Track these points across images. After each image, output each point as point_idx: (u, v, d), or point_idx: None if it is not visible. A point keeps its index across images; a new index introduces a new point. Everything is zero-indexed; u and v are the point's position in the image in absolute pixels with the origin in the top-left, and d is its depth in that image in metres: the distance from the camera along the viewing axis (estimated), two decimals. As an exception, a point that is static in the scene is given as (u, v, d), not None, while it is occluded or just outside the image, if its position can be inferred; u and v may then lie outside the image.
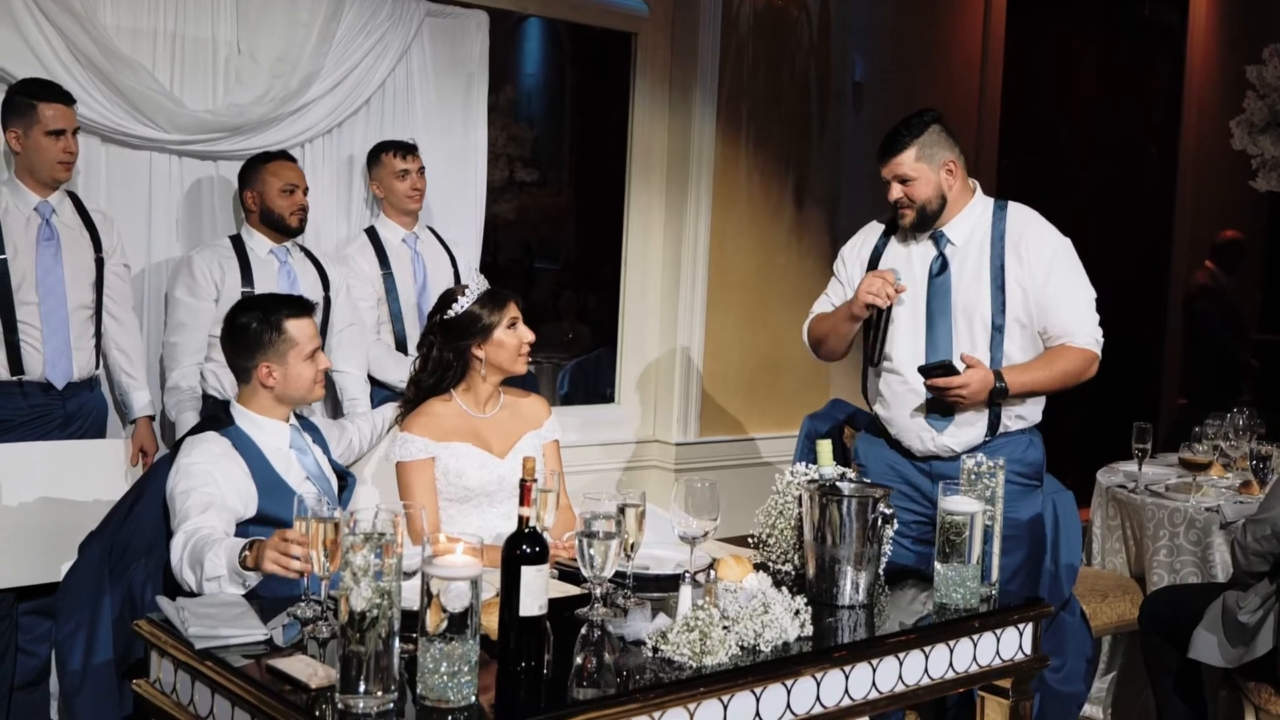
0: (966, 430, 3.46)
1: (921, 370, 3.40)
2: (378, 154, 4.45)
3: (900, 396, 3.52)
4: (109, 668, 2.85)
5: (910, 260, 3.53)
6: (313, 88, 4.40)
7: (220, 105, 4.26)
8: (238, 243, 4.09)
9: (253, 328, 3.04)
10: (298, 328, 3.05)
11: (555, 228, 8.77)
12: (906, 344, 3.50)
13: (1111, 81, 7.76)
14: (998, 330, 3.44)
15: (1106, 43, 7.75)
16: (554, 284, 8.59)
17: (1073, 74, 7.66)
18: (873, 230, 3.67)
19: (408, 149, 4.44)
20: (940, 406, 3.44)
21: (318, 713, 2.08)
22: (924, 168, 3.42)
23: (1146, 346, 7.97)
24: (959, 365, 3.38)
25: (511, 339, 3.34)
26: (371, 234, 4.44)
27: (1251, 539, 3.38)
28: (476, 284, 3.40)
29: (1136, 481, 4.23)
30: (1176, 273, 7.87)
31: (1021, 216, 3.50)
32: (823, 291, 3.77)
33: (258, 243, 4.09)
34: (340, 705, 2.06)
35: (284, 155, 4.16)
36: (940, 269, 3.48)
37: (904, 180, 3.44)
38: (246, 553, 2.62)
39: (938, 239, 3.50)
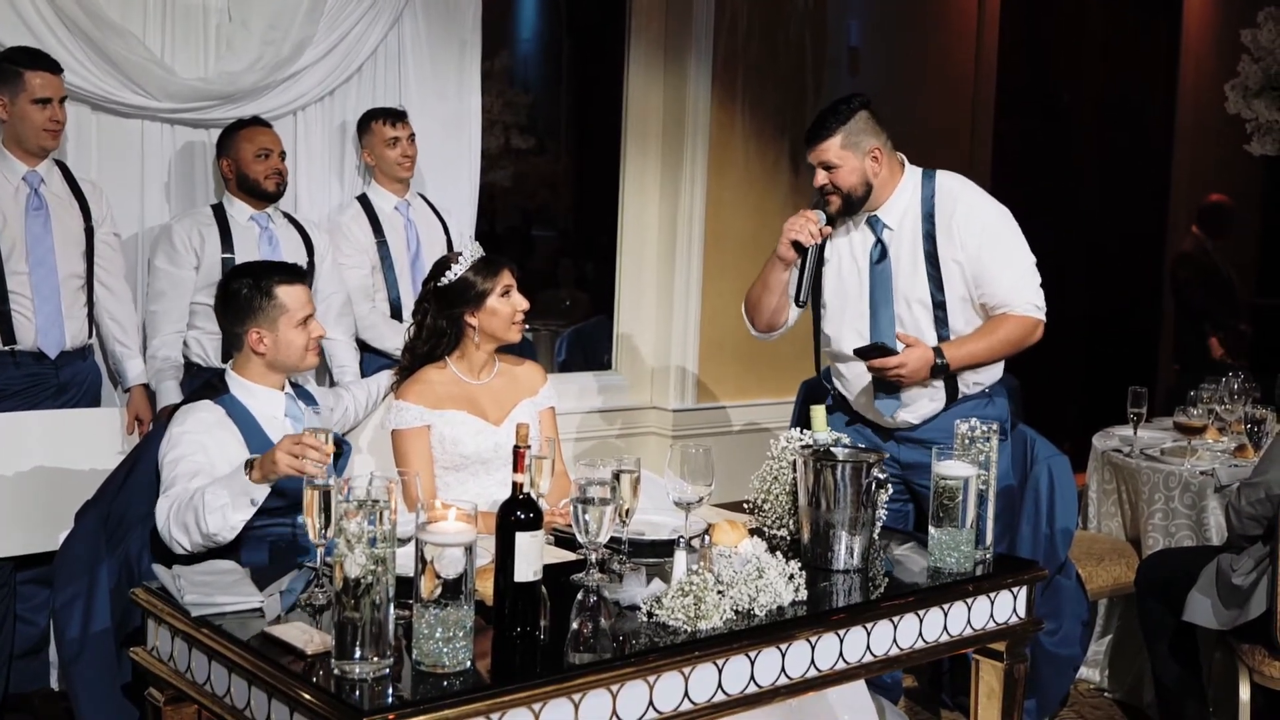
0: (925, 405, 3.50)
1: (857, 353, 3.41)
2: (367, 121, 4.43)
3: (853, 381, 3.57)
4: (107, 636, 2.86)
5: (851, 248, 3.55)
6: (304, 55, 4.36)
7: (211, 73, 4.23)
8: (219, 210, 4.08)
9: (243, 294, 3.04)
10: (289, 294, 3.04)
11: (552, 195, 8.75)
12: (852, 333, 3.52)
13: (1110, 44, 7.72)
14: (939, 308, 3.46)
15: (1105, 5, 7.70)
16: (551, 251, 8.58)
17: (1071, 37, 7.61)
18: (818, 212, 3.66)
19: (397, 116, 4.42)
20: (887, 387, 3.45)
21: (314, 679, 2.09)
22: (849, 155, 3.42)
23: (1143, 311, 7.97)
24: (897, 345, 3.39)
25: (505, 307, 3.33)
26: (364, 202, 4.42)
27: (1245, 502, 3.38)
28: (470, 251, 3.39)
29: (1132, 445, 4.24)
30: (1173, 237, 7.85)
31: (951, 190, 3.48)
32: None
33: (238, 210, 4.08)
34: (336, 671, 2.07)
35: (258, 121, 4.14)
36: (880, 256, 3.49)
37: (829, 167, 3.43)
38: (253, 475, 2.69)
39: (874, 224, 3.51)
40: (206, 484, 2.79)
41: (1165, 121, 7.96)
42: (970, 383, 3.52)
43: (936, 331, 3.47)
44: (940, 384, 3.48)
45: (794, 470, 2.89)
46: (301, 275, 3.13)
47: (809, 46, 5.92)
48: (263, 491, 2.75)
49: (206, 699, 2.33)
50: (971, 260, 3.42)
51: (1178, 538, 4.00)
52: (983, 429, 2.85)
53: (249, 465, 2.76)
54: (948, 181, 3.51)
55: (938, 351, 3.40)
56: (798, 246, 3.45)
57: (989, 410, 3.51)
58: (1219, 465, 3.98)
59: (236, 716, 2.24)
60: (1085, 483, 4.35)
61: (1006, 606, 2.84)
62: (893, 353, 3.36)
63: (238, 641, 2.25)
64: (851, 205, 3.46)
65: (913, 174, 3.52)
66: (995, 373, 3.58)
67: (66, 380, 3.80)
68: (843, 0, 6.01)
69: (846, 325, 3.54)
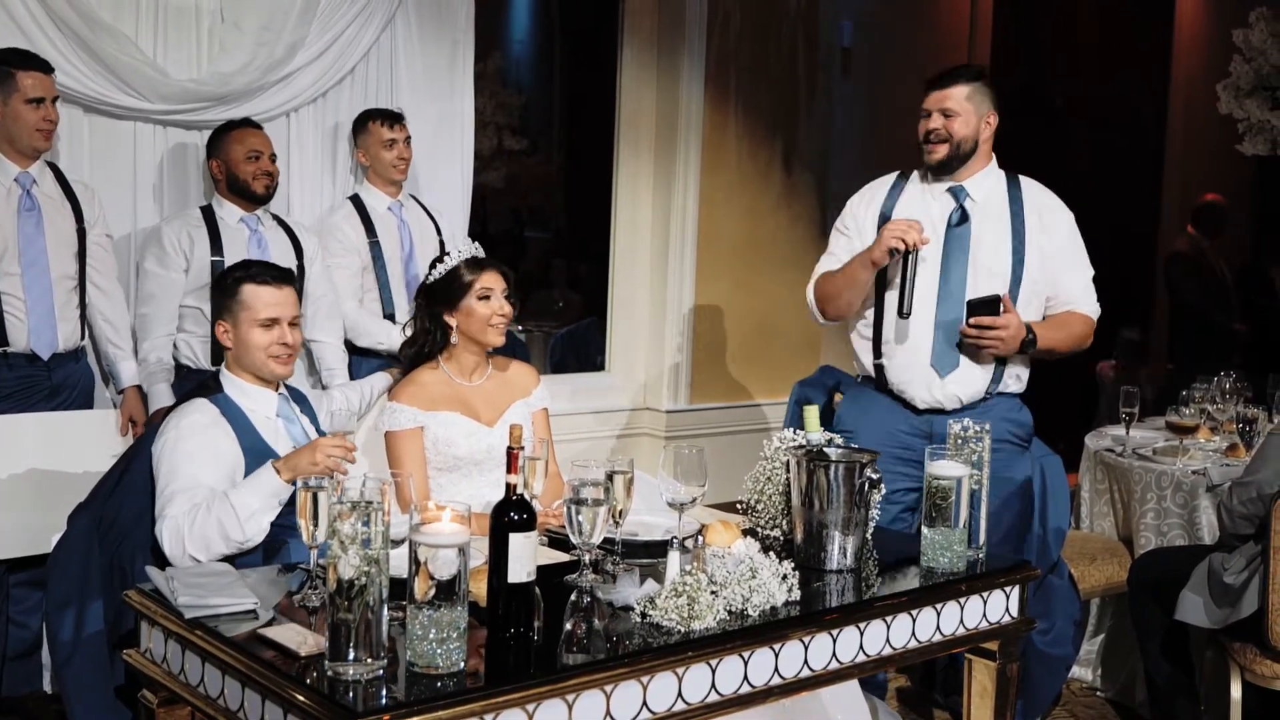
0: (973, 380, 3.53)
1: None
2: (365, 121, 4.42)
3: (910, 343, 3.55)
4: (100, 638, 2.86)
5: (928, 210, 3.58)
6: (297, 56, 4.36)
7: (204, 74, 4.23)
8: (208, 212, 4.07)
9: (220, 285, 3.11)
10: (254, 293, 3.04)
11: (545, 196, 8.75)
12: (921, 290, 3.52)
13: (1103, 45, 7.74)
14: (1015, 286, 3.52)
15: (1098, 6, 7.72)
16: (544, 252, 8.59)
17: (1065, 38, 7.63)
18: (882, 183, 3.71)
19: (395, 118, 4.42)
20: (951, 352, 3.47)
21: (308, 680, 2.09)
22: (970, 108, 3.53)
23: (1137, 310, 7.98)
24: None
25: (481, 309, 3.31)
26: (356, 202, 4.41)
27: (1237, 501, 3.39)
28: (458, 250, 3.38)
29: (1124, 445, 4.25)
30: (1165, 237, 7.87)
31: (1037, 187, 3.64)
32: (824, 253, 3.77)
33: (228, 212, 4.08)
34: (330, 673, 2.07)
35: (249, 122, 4.14)
36: (960, 220, 3.55)
37: (948, 114, 3.52)
38: (280, 476, 2.80)
39: (957, 193, 3.57)
40: (218, 495, 2.81)
41: (1158, 121, 7.98)
42: (1012, 376, 3.57)
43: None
44: (992, 365, 3.52)
45: (787, 470, 2.89)
46: (283, 279, 3.11)
47: (801, 47, 5.93)
48: (289, 491, 2.81)
49: (200, 701, 2.33)
50: (1056, 252, 3.55)
51: (1170, 537, 4.00)
52: (975, 428, 2.86)
53: (272, 464, 2.86)
54: (1033, 182, 3.65)
55: (1027, 327, 3.47)
56: (894, 253, 3.44)
57: (1021, 415, 3.60)
58: (1211, 464, 3.99)
59: (230, 718, 2.24)
60: (1078, 482, 4.36)
61: (999, 606, 2.85)
62: (998, 312, 3.42)
63: (231, 643, 2.25)
64: (953, 158, 3.53)
65: (997, 169, 3.63)
66: (1027, 376, 3.64)
67: (59, 382, 3.79)
68: (835, 1, 6.02)
69: (917, 281, 3.51)
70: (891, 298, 3.57)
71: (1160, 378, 7.50)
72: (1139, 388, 4.36)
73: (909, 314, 3.47)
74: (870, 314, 3.64)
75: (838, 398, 4.09)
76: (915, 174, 3.69)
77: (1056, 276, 3.57)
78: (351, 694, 2.03)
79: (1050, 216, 3.58)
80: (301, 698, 2.05)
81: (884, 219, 3.59)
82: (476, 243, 3.44)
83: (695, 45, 5.54)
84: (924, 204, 3.59)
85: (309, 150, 4.51)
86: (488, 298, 3.30)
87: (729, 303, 5.81)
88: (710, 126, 5.63)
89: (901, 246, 3.41)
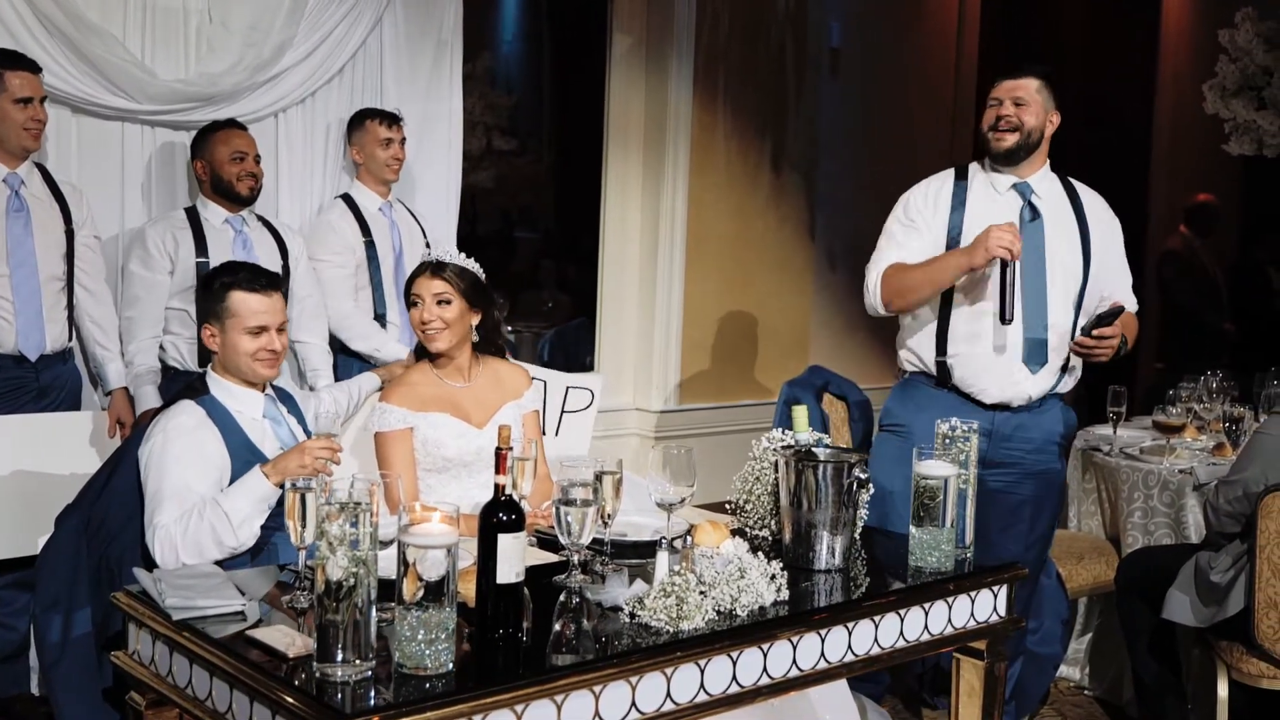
0: (1049, 377, 3.55)
1: (1100, 317, 3.48)
2: (362, 119, 4.42)
3: (991, 340, 3.52)
4: (88, 640, 2.86)
5: (997, 208, 3.55)
6: (285, 56, 4.36)
7: (192, 75, 4.22)
8: (192, 214, 4.06)
9: (207, 289, 3.11)
10: (242, 300, 3.04)
11: (534, 196, 8.76)
12: (995, 290, 3.47)
13: (1090, 45, 7.76)
14: (1084, 284, 3.56)
15: (1085, 6, 7.74)
16: (533, 253, 8.59)
17: (1051, 38, 7.65)
18: (942, 179, 3.66)
19: (393, 119, 4.42)
20: (1040, 349, 3.50)
21: (296, 682, 2.08)
22: (1040, 101, 3.55)
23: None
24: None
25: (411, 315, 3.34)
26: (349, 200, 4.41)
27: (1223, 500, 3.41)
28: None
29: (1112, 445, 4.26)
30: (1152, 236, 7.89)
31: (1089, 190, 3.69)
32: (882, 244, 3.65)
33: (212, 213, 4.07)
34: (318, 674, 2.07)
35: (233, 123, 4.13)
36: (1033, 216, 3.55)
37: (1019, 103, 3.53)
38: (269, 479, 2.83)
39: (1022, 191, 3.57)
40: (209, 501, 2.82)
41: (1145, 121, 8.00)
42: (1073, 373, 3.60)
43: (1074, 305, 3.54)
44: (1060, 364, 3.55)
45: (776, 471, 2.90)
46: (271, 285, 3.09)
47: (790, 48, 5.95)
48: (278, 494, 2.83)
49: (188, 702, 2.33)
50: (1111, 248, 3.63)
51: (1157, 536, 4.02)
52: (963, 428, 2.87)
53: (261, 467, 2.88)
54: (1085, 185, 3.70)
55: None
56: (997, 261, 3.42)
57: (1069, 415, 3.63)
58: (1197, 464, 4.01)
59: (218, 720, 2.24)
60: (1065, 482, 4.37)
61: (987, 605, 2.86)
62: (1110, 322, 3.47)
63: (219, 644, 2.24)
64: (1021, 148, 3.54)
65: (1050, 171, 3.66)
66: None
67: (47, 384, 3.79)
68: (824, 1, 6.03)
69: (989, 284, 3.48)
70: (963, 297, 3.53)
71: (1149, 377, 7.53)
72: (1126, 387, 4.38)
73: (1011, 320, 3.43)
74: (933, 311, 3.59)
75: (826, 398, 4.10)
76: (973, 168, 3.64)
77: (1114, 277, 3.64)
78: (340, 695, 2.02)
79: (1105, 217, 3.65)
80: (290, 699, 2.05)
81: (955, 218, 3.55)
82: (450, 252, 3.38)
83: (684, 46, 5.55)
84: (991, 201, 3.56)
85: (297, 151, 4.50)
86: (415, 304, 3.31)
87: (718, 303, 5.82)
88: (699, 127, 5.64)
89: (1009, 257, 3.37)
